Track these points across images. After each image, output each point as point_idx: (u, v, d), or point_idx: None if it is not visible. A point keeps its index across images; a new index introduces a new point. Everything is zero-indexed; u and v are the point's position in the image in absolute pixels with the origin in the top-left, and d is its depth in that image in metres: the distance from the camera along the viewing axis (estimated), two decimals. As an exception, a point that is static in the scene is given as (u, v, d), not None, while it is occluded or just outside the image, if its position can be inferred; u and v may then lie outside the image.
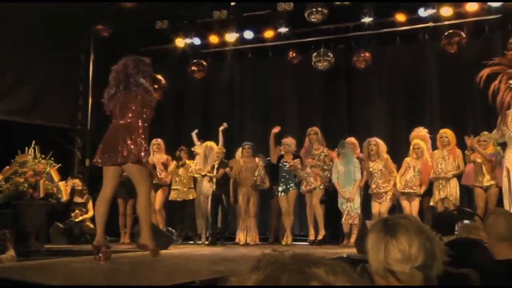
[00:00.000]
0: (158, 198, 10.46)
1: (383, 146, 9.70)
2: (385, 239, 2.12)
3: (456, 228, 5.71)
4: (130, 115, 5.93)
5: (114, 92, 6.10)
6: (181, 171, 10.77)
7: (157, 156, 10.61)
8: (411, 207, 9.42)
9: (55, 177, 9.79)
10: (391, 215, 5.34)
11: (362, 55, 11.71)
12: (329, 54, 11.89)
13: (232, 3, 11.97)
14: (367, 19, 11.30)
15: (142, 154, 5.98)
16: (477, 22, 10.96)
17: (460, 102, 11.44)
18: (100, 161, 6.10)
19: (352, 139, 10.08)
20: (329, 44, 12.01)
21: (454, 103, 11.45)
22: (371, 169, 9.62)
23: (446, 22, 11.00)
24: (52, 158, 9.89)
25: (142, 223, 6.46)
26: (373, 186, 9.59)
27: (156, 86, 11.72)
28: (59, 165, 10.03)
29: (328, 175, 9.74)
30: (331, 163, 9.83)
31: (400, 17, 11.08)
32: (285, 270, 0.97)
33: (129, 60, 6.36)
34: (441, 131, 9.58)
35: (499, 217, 3.77)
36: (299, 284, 0.93)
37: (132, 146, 5.82)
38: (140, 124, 5.92)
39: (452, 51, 10.93)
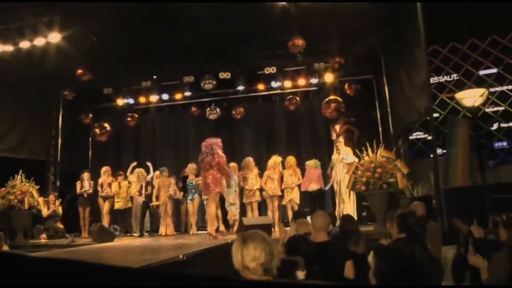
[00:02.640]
0: (106, 206, 10.94)
1: (252, 164, 10.39)
2: (240, 246, 2.39)
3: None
4: None
5: None
6: (122, 189, 10.99)
7: (104, 178, 11.06)
8: (273, 204, 10.21)
9: (36, 194, 10.45)
10: (247, 230, 6.32)
11: (238, 110, 12.87)
12: (217, 109, 12.93)
13: (154, 77, 12.72)
14: (240, 87, 12.45)
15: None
16: (305, 91, 12.60)
17: (297, 139, 12.74)
18: None
19: (233, 164, 10.55)
20: (217, 103, 13.03)
21: (293, 139, 12.70)
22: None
23: (288, 91, 12.42)
24: (34, 182, 10.50)
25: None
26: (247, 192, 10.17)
27: (103, 131, 12.92)
28: (38, 186, 10.60)
29: None
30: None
31: (261, 86, 12.37)
32: None
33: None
34: (288, 157, 10.57)
35: (318, 215, 4.41)
36: None
37: None
38: None
39: (292, 108, 12.38)
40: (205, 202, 10.18)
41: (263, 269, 2.34)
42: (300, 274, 3.23)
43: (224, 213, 10.47)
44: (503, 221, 4.13)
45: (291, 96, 12.43)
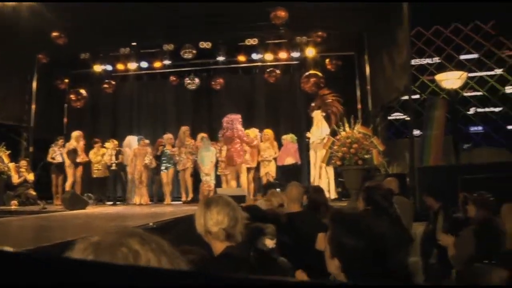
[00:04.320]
0: (78, 173, 10.80)
1: None
2: (204, 210, 2.36)
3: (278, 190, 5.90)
4: None
5: None
6: (99, 158, 10.87)
7: (78, 143, 10.80)
8: (248, 176, 10.20)
9: (6, 159, 10.40)
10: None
11: (218, 80, 12.74)
12: (196, 79, 12.80)
13: (133, 43, 12.40)
14: (221, 58, 12.31)
15: None
16: (286, 64, 12.54)
17: (276, 112, 12.73)
18: None
19: (203, 134, 10.71)
20: (196, 73, 12.90)
21: (272, 113, 12.68)
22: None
23: (268, 63, 12.34)
24: (5, 147, 10.49)
25: None
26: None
27: (79, 97, 12.72)
28: (9, 152, 10.59)
29: (195, 158, 10.44)
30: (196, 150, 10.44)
31: (241, 58, 12.28)
32: (109, 237, 0.85)
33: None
34: (265, 130, 10.67)
35: (293, 186, 4.46)
36: (112, 249, 0.81)
37: None
38: None
39: (272, 81, 12.35)
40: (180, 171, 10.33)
41: (226, 234, 2.31)
42: (269, 243, 3.17)
43: (197, 182, 10.59)
44: (473, 198, 4.16)
45: (271, 69, 12.36)
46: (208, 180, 10.16)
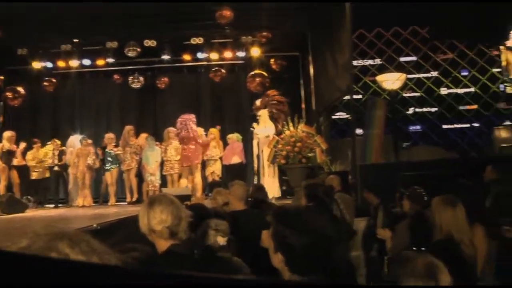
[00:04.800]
0: (15, 176, 10.41)
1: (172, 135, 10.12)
2: (147, 209, 2.35)
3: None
4: None
5: None
6: (40, 158, 10.51)
7: (10, 144, 10.30)
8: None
9: None
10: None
11: (162, 79, 12.60)
12: (141, 77, 12.60)
13: (75, 40, 11.99)
14: (166, 57, 12.11)
15: None
16: (232, 64, 12.57)
17: (221, 111, 12.77)
18: None
19: (144, 134, 10.63)
20: (141, 71, 12.68)
21: (218, 112, 12.71)
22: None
23: (214, 63, 12.28)
24: None
25: None
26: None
27: (16, 95, 12.09)
28: None
29: (139, 158, 10.27)
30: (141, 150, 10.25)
31: (187, 57, 12.18)
32: (37, 242, 0.82)
33: None
34: (210, 129, 10.63)
35: (237, 185, 4.49)
36: (42, 252, 0.78)
37: None
38: None
39: (217, 81, 12.34)
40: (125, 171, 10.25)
41: (170, 232, 2.31)
42: (221, 240, 3.16)
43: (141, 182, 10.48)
44: (407, 193, 4.38)
45: (216, 68, 12.38)
46: (153, 180, 10.09)
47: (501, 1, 15.21)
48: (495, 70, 19.62)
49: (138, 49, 11.92)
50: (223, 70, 12.40)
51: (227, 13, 9.33)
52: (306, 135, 7.70)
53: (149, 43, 11.89)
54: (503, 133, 15.09)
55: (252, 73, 11.71)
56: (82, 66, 12.56)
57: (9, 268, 0.64)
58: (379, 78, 12.45)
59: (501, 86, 18.15)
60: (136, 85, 12.66)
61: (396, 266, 1.73)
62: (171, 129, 10.42)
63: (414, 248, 3.19)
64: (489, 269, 3.50)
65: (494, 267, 3.55)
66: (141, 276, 0.66)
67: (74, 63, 12.39)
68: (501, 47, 17.49)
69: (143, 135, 10.73)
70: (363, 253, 5.54)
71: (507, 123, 21.71)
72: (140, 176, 10.52)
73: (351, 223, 5.70)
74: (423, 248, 2.48)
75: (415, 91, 23.62)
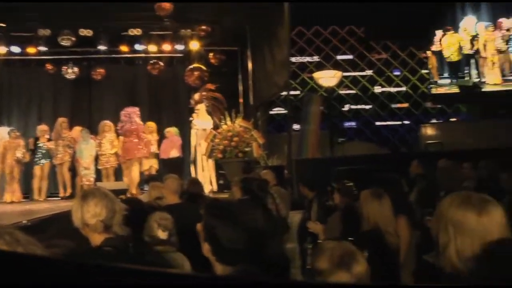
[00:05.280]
0: None
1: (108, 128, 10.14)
2: (80, 203, 2.33)
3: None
4: None
5: None
6: None
7: None
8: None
9: None
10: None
11: (98, 70, 12.14)
12: (75, 68, 12.06)
13: (2, 24, 11.11)
14: (102, 47, 11.67)
15: None
16: (170, 57, 12.38)
17: (159, 105, 12.60)
18: None
19: (78, 128, 10.43)
20: (75, 62, 12.10)
21: (155, 105, 12.52)
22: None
23: (152, 55, 12.07)
24: None
25: None
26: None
27: None
28: None
29: (72, 151, 10.05)
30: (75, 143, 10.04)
31: (124, 48, 11.85)
32: None
33: None
34: (148, 123, 10.63)
35: (171, 178, 4.54)
36: None
37: None
38: None
39: (155, 73, 12.10)
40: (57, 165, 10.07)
41: (104, 226, 2.30)
42: (162, 234, 3.19)
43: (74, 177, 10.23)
44: (338, 187, 4.57)
45: (154, 61, 12.18)
46: (87, 174, 9.90)
47: (427, 8, 16.02)
48: (424, 71, 20.63)
49: (73, 38, 11.47)
50: (161, 63, 12.19)
51: (166, 5, 9.23)
52: (243, 129, 7.81)
53: (85, 32, 11.45)
54: (429, 131, 15.96)
55: (191, 66, 11.65)
56: (10, 53, 11.85)
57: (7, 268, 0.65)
58: (316, 75, 12.78)
59: (429, 86, 19.16)
60: (70, 76, 12.16)
61: (315, 255, 1.81)
62: (107, 122, 10.27)
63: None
64: (411, 257, 3.73)
65: (415, 255, 3.78)
66: (140, 275, 0.67)
67: (1, 49, 11.67)
68: (428, 51, 18.44)
69: (77, 128, 10.48)
70: (298, 245, 5.64)
71: (434, 121, 22.92)
72: (73, 170, 10.25)
73: (286, 216, 5.90)
74: (350, 238, 2.63)
75: (351, 89, 24.33)
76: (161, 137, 10.76)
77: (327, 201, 5.53)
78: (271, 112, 18.17)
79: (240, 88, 12.31)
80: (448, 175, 4.58)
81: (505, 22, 18.12)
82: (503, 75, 17.60)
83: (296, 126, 12.15)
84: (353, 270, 1.67)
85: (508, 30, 18.03)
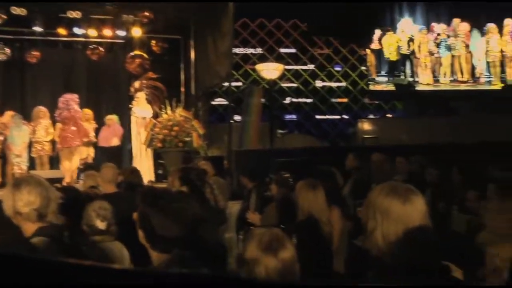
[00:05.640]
0: None
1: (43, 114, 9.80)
2: (12, 191, 2.28)
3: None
4: None
5: None
6: None
7: None
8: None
9: None
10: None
11: (33, 53, 11.47)
12: (7, 49, 11.40)
13: None
14: (38, 28, 11.03)
15: None
16: (111, 42, 12.00)
17: (98, 91, 12.18)
18: None
19: (10, 112, 9.92)
20: (7, 42, 11.44)
21: (93, 92, 12.08)
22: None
23: (92, 40, 11.56)
24: None
25: None
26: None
27: None
28: None
29: (3, 137, 9.60)
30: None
31: (62, 31, 11.27)
32: None
33: None
34: (85, 110, 10.31)
35: (107, 167, 4.50)
36: None
37: None
38: None
39: (94, 59, 11.68)
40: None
41: (38, 215, 2.26)
42: (100, 224, 3.17)
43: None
44: (275, 178, 4.69)
45: (94, 46, 11.73)
46: (19, 162, 9.50)
47: (368, 7, 16.53)
48: (363, 68, 21.32)
49: (4, 16, 10.74)
50: (101, 48, 11.79)
51: (107, -12, 8.94)
52: (184, 119, 7.78)
53: (18, 11, 10.74)
54: (366, 126, 16.57)
55: (132, 53, 11.38)
56: None
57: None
58: (259, 67, 12.89)
59: (367, 83, 19.83)
60: (1, 57, 11.48)
61: (246, 242, 1.89)
62: (42, 108, 9.93)
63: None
64: (343, 245, 3.91)
65: (347, 243, 3.96)
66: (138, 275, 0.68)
67: None
68: (367, 49, 19.08)
69: (9, 113, 9.97)
70: (236, 235, 5.70)
71: (371, 116, 23.76)
72: (4, 158, 9.78)
73: (225, 206, 5.98)
74: (282, 226, 2.72)
75: (293, 82, 24.70)
76: (100, 124, 10.51)
77: (265, 191, 5.67)
78: (212, 103, 18.10)
79: (182, 77, 12.18)
80: (381, 168, 4.80)
81: (437, 26, 19.14)
82: (434, 76, 18.55)
83: (237, 117, 12.20)
84: (280, 255, 1.75)
85: (439, 34, 19.06)
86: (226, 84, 10.43)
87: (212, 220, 3.84)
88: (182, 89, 11.92)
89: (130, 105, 10.31)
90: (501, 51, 18.93)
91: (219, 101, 21.18)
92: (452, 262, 1.95)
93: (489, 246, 1.04)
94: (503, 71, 18.97)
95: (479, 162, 6.13)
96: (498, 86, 18.79)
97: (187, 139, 7.62)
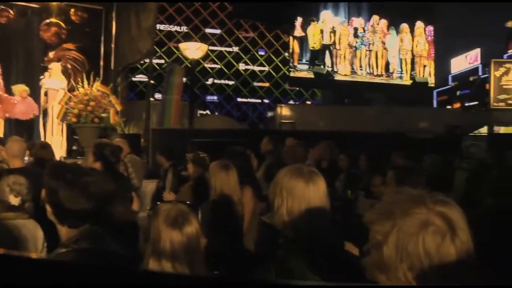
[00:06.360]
0: None
1: None
2: None
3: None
4: None
5: None
6: None
7: None
8: None
9: None
10: None
11: None
12: None
13: None
14: None
15: None
16: (23, 6, 11.10)
17: (8, 59, 11.18)
18: None
19: None
20: None
21: (3, 59, 10.93)
22: None
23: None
24: None
25: None
26: None
27: None
28: None
29: None
30: None
31: None
32: None
33: None
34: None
35: (14, 141, 4.39)
36: None
37: None
38: None
39: (3, 22, 10.67)
40: None
41: None
42: (13, 199, 3.02)
43: None
44: (191, 157, 4.72)
45: (3, 7, 10.85)
46: None
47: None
48: (287, 54, 21.75)
49: None
50: (11, 11, 10.92)
51: None
52: (101, 94, 7.54)
53: None
54: (284, 111, 16.99)
55: (48, 21, 10.72)
56: None
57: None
58: (182, 45, 12.68)
59: (289, 70, 20.25)
60: None
61: (151, 217, 1.92)
62: None
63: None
64: (254, 225, 4.02)
65: (257, 223, 4.08)
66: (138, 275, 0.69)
67: None
68: (291, 36, 19.47)
69: None
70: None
71: (290, 102, 24.37)
72: None
73: (140, 184, 5.95)
74: (188, 202, 2.78)
75: (216, 63, 24.62)
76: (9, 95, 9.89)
77: (181, 171, 5.68)
78: (133, 79, 17.66)
79: (102, 50, 11.70)
80: (293, 153, 4.96)
81: (356, 20, 20.00)
82: (352, 68, 19.40)
83: (158, 96, 12.02)
84: (184, 230, 1.82)
85: (357, 28, 19.95)
86: (147, 60, 10.20)
87: (124, 198, 3.78)
88: (101, 63, 11.47)
89: (41, 76, 9.72)
90: (412, 50, 20.19)
91: (139, 77, 20.69)
92: (353, 242, 2.17)
93: (372, 224, 1.17)
94: (413, 69, 20.25)
95: (386, 150, 6.50)
96: (408, 82, 20.03)
97: (103, 115, 7.39)
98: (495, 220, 4.09)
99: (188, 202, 2.46)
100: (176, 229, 1.81)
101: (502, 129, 18.82)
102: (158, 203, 2.45)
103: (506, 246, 2.78)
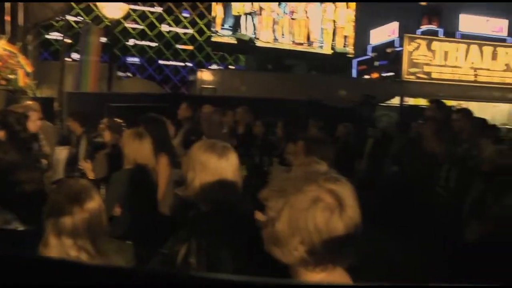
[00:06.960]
0: None
1: None
2: None
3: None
4: None
5: None
6: None
7: None
8: None
9: None
10: None
11: None
12: None
13: None
14: None
15: None
16: None
17: None
18: None
19: None
20: None
21: None
22: None
23: None
24: None
25: None
26: None
27: None
28: None
29: None
30: None
31: None
32: None
33: None
34: None
35: None
36: None
37: None
38: None
39: None
40: None
41: None
42: None
43: None
44: (107, 124, 4.56)
45: None
46: None
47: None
48: (210, 17, 21.36)
49: None
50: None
51: None
52: (8, 54, 7.00)
53: None
54: (205, 76, 16.79)
55: None
56: None
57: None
58: (101, 4, 12.00)
59: (211, 34, 19.94)
60: None
61: (54, 192, 1.90)
62: None
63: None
64: (169, 192, 4.01)
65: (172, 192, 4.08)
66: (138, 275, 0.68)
67: None
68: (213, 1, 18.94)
69: None
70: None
71: (213, 67, 24.16)
72: None
73: (51, 152, 5.65)
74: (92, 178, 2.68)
75: (138, 24, 23.71)
76: None
77: (95, 137, 5.47)
78: (47, 36, 16.60)
79: (7, 4, 10.77)
80: (209, 120, 4.96)
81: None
82: (274, 36, 19.49)
83: (76, 56, 11.43)
84: (86, 206, 1.80)
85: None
86: (62, 18, 9.58)
87: (32, 166, 3.59)
88: (8, 18, 10.58)
89: None
90: (334, 21, 20.63)
91: (55, 35, 19.50)
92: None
93: (267, 201, 1.22)
94: (334, 40, 20.74)
95: (303, 118, 6.68)
96: (328, 51, 20.52)
97: (11, 76, 6.89)
98: (398, 187, 4.40)
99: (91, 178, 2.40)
100: (77, 205, 1.77)
101: (411, 101, 20.01)
102: (64, 179, 2.37)
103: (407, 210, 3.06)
